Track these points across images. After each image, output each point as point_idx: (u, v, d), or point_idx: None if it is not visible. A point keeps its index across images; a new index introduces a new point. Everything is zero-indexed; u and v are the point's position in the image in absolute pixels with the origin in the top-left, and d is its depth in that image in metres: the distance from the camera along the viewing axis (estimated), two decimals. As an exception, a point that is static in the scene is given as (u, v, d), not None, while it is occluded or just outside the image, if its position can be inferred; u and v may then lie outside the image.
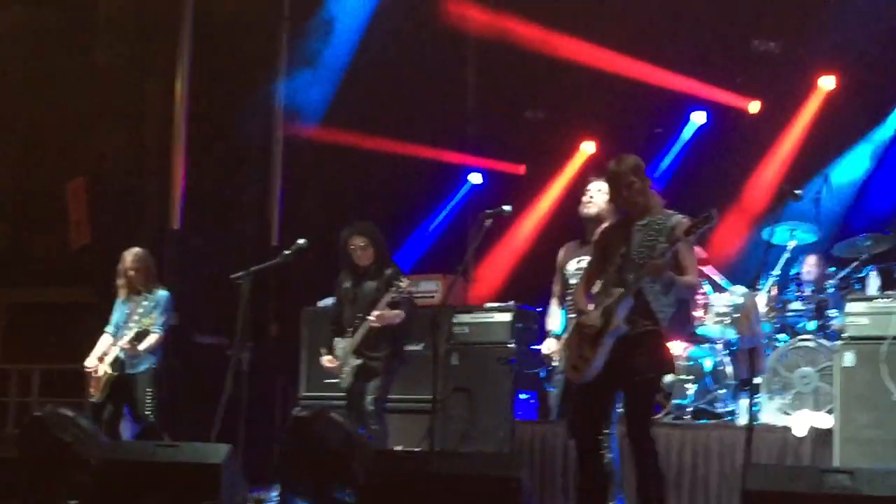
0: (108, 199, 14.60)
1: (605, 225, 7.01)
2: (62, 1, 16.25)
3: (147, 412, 8.98)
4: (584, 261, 7.11)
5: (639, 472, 6.42)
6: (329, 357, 8.90)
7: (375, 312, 8.55)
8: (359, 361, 8.70)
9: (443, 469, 6.36)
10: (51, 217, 15.59)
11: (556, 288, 7.66)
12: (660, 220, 6.44)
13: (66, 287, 15.41)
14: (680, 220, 6.42)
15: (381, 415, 8.68)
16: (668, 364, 6.77)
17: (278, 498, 7.16)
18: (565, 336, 7.02)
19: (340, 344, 8.82)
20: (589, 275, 6.70)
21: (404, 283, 8.49)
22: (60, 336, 14.54)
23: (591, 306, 6.56)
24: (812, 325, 9.43)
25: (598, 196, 7.32)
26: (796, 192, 6.85)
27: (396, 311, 8.63)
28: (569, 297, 7.25)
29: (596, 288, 6.61)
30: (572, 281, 7.25)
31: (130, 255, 9.22)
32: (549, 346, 7.51)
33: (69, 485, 7.32)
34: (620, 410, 6.80)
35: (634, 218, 6.53)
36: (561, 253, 7.67)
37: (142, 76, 14.46)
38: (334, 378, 8.93)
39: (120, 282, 9.27)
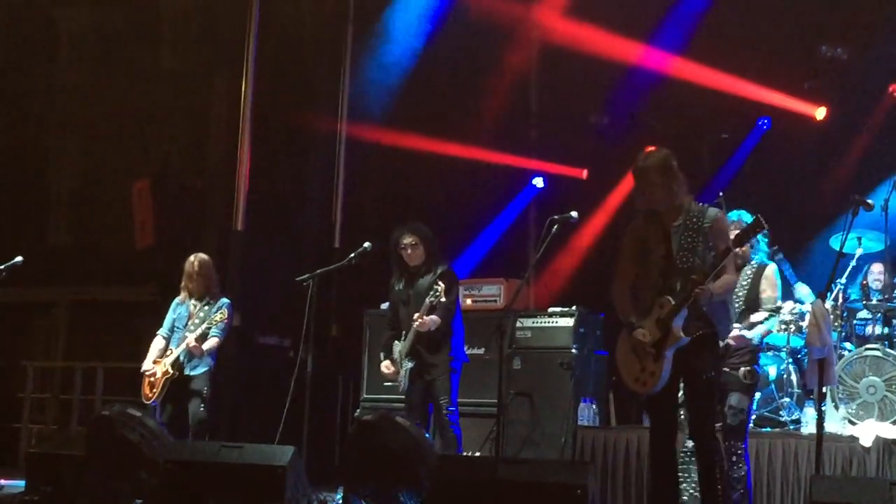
0: (173, 201, 14.77)
1: (633, 223, 6.79)
2: (129, 3, 16.44)
3: (201, 414, 9.00)
4: None
5: (704, 473, 6.40)
6: (386, 363, 8.73)
7: (417, 318, 8.36)
8: (411, 364, 8.51)
9: (509, 475, 6.35)
10: (116, 217, 15.77)
11: None
12: (695, 219, 6.37)
13: (129, 286, 15.58)
14: (715, 215, 6.39)
15: (454, 422, 8.43)
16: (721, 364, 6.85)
17: (342, 500, 7.17)
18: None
19: (398, 347, 8.68)
20: (623, 273, 6.60)
21: (441, 287, 8.27)
22: (123, 335, 14.71)
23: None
24: (879, 333, 9.31)
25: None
26: (869, 201, 6.79)
27: (433, 317, 8.40)
28: None
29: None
30: None
31: (197, 260, 9.25)
32: None
33: (136, 484, 7.39)
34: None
35: (664, 216, 6.45)
36: None
37: (207, 78, 14.61)
38: (393, 381, 8.86)
39: (184, 284, 9.31)
